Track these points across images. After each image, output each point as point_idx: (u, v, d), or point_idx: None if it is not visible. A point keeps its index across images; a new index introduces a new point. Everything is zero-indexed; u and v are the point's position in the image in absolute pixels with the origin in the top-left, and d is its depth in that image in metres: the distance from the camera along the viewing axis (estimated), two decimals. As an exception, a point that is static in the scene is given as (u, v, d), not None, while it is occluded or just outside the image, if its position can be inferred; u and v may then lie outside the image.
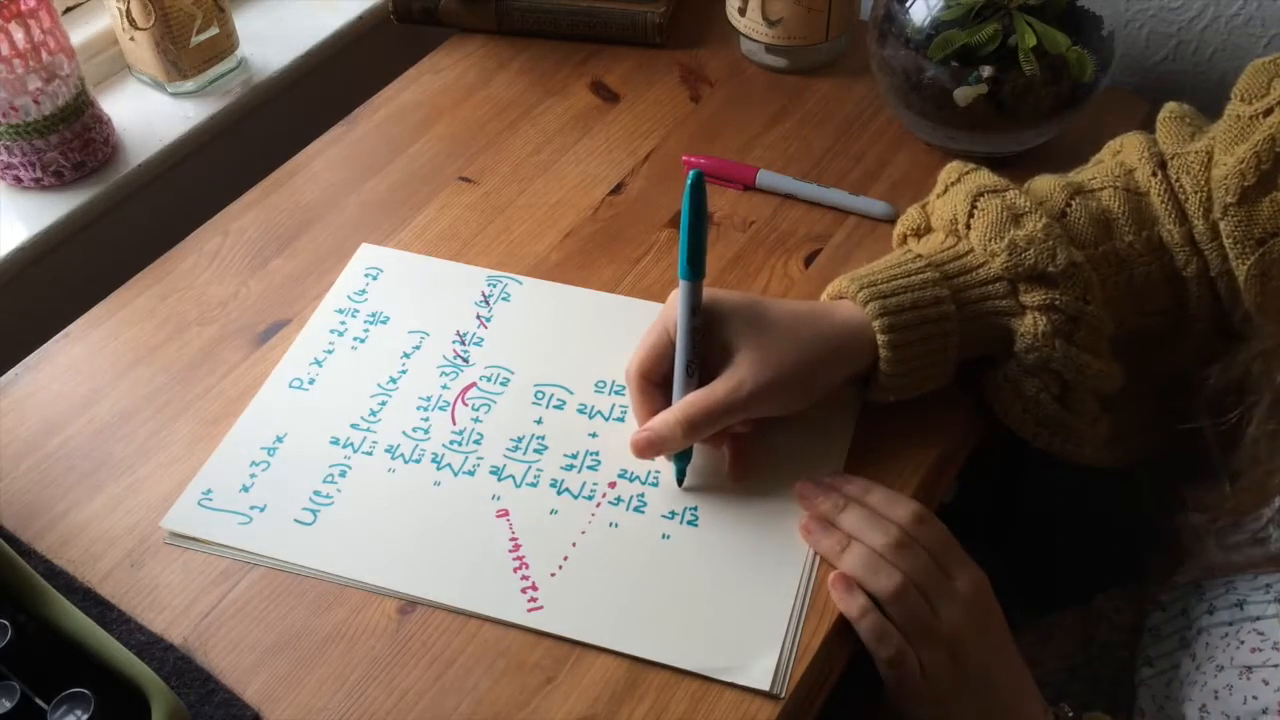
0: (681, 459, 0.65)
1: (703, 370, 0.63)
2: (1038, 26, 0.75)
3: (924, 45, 0.77)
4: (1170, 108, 0.71)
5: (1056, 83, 0.77)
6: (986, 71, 0.76)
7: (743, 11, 0.89)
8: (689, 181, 0.58)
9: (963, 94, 0.77)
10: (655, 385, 0.64)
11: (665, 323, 0.63)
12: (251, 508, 0.64)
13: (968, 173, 0.68)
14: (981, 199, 0.66)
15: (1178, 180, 0.68)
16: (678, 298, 0.61)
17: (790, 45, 0.90)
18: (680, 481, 0.65)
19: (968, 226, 0.66)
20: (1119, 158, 0.71)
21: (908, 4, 0.79)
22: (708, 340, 0.63)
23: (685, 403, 0.62)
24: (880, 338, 0.63)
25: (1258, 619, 0.61)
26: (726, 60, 0.93)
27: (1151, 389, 0.70)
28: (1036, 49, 0.75)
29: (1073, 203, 0.67)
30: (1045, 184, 0.69)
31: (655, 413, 0.63)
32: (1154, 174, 0.69)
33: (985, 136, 0.80)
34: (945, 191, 0.69)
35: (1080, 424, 0.67)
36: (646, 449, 0.63)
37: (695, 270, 0.60)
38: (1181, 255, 0.68)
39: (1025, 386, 0.65)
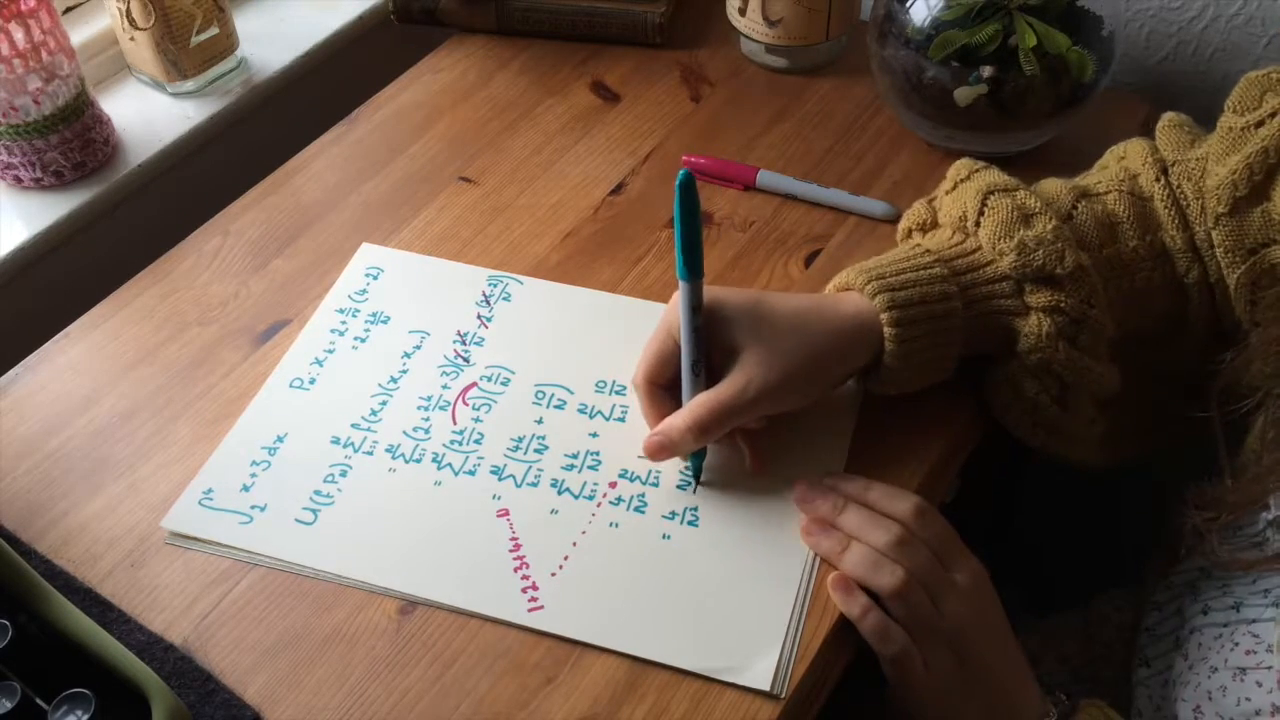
0: (696, 457, 0.65)
1: (708, 370, 0.63)
2: (1038, 26, 0.75)
3: (924, 45, 0.77)
4: (1168, 117, 0.71)
5: (1056, 83, 0.77)
6: (987, 71, 0.76)
7: (743, 11, 0.89)
8: (678, 182, 0.57)
9: (963, 94, 0.77)
10: (663, 389, 0.64)
11: (668, 326, 0.63)
12: (252, 507, 0.64)
13: (978, 170, 0.68)
14: (992, 197, 0.66)
15: (1179, 186, 0.68)
16: (678, 300, 0.61)
17: (790, 45, 0.90)
18: (698, 478, 0.65)
19: (977, 224, 0.66)
20: (1123, 163, 0.71)
21: (908, 4, 0.79)
22: (712, 341, 0.63)
23: (693, 406, 0.62)
24: (888, 330, 0.63)
25: (1253, 621, 0.61)
26: (726, 60, 0.93)
27: (1148, 390, 0.70)
28: (1037, 49, 0.75)
29: (1079, 205, 0.68)
30: (1052, 186, 0.69)
31: (665, 416, 0.63)
32: (1157, 179, 0.69)
33: (985, 136, 0.80)
34: (954, 188, 0.68)
35: (1077, 426, 0.67)
36: (658, 452, 0.63)
37: (693, 270, 0.60)
38: (1183, 261, 0.68)
39: (1025, 387, 0.65)
